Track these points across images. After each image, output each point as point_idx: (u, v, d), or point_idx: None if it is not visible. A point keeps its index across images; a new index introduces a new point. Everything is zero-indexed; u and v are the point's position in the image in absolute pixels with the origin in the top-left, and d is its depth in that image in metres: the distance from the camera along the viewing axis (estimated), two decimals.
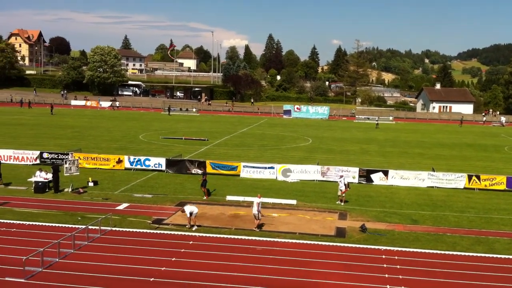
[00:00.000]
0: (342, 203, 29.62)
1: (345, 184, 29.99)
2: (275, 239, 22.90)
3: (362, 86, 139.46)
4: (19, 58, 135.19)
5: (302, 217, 26.64)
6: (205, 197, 29.92)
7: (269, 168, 36.73)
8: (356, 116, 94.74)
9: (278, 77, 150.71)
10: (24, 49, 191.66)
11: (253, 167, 36.97)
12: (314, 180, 35.80)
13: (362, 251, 21.81)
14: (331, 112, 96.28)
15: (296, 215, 26.98)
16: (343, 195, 29.91)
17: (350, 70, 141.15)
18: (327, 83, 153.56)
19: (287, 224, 25.23)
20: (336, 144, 56.39)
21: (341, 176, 31.08)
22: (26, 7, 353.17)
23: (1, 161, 33.15)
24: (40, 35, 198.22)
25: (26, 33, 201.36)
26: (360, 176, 35.76)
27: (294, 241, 22.80)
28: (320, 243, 22.63)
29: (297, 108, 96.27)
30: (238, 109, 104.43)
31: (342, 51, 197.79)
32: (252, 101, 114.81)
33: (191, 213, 24.08)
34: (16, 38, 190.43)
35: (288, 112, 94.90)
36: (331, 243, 22.60)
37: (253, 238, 23.01)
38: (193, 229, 23.96)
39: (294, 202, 29.55)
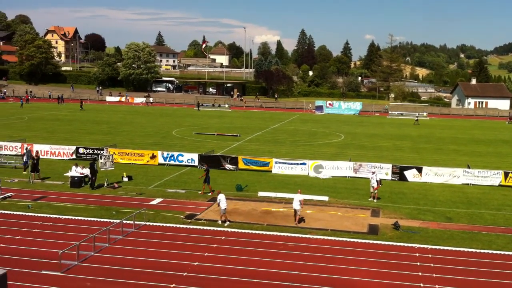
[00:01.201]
0: (375, 200, 29.40)
1: (377, 181, 29.76)
2: (307, 236, 22.90)
3: (395, 81, 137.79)
4: (55, 54, 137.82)
5: (334, 214, 26.56)
6: (210, 193, 29.96)
7: (301, 164, 36.69)
8: (389, 112, 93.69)
9: (310, 73, 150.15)
10: (60, 46, 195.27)
11: (285, 163, 36.98)
12: (346, 177, 35.62)
13: (395, 248, 21.64)
14: (364, 108, 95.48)
15: (328, 212, 26.92)
16: (375, 191, 29.68)
17: (383, 65, 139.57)
18: (359, 78, 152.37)
19: (319, 221, 25.20)
20: (369, 140, 55.92)
21: (373, 173, 30.86)
22: (62, 4, 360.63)
23: (40, 156, 33.97)
24: (76, 32, 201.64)
25: (62, 30, 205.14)
26: (393, 172, 35.41)
27: (326, 237, 22.76)
28: (352, 240, 22.55)
29: (329, 104, 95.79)
30: (269, 105, 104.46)
31: (375, 46, 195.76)
32: (276, 96, 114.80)
33: (222, 207, 24.39)
34: (52, 35, 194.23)
35: (320, 108, 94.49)
36: (363, 240, 22.48)
37: (285, 234, 23.05)
38: (225, 224, 24.16)
39: (326, 198, 29.48)
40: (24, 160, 34.56)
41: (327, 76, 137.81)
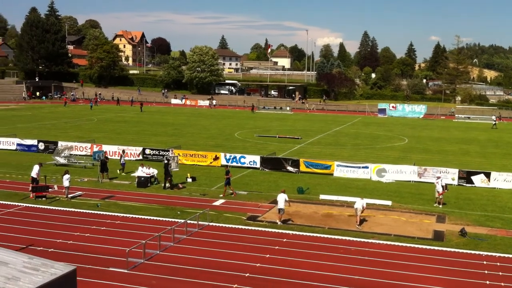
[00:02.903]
0: (440, 206, 28.68)
1: (442, 186, 29.03)
2: (370, 240, 22.66)
3: (462, 84, 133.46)
4: (123, 58, 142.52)
5: (398, 219, 26.13)
6: (233, 194, 30.05)
7: (363, 167, 36.29)
8: (456, 115, 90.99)
9: (373, 75, 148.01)
10: (128, 50, 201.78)
11: (347, 166, 36.69)
12: (410, 181, 34.93)
13: (462, 256, 21.06)
14: (429, 111, 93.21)
15: (391, 217, 26.51)
16: (441, 197, 28.95)
17: (449, 67, 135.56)
18: (424, 80, 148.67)
19: (382, 225, 24.86)
20: (434, 144, 54.54)
21: (438, 178, 30.12)
22: (130, 9, 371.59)
23: (108, 157, 35.26)
24: (143, 36, 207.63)
25: (129, 34, 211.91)
26: (459, 177, 34.42)
27: (389, 242, 22.44)
28: (416, 246, 22.11)
29: (393, 107, 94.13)
30: (331, 107, 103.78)
31: (440, 47, 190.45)
32: (324, 98, 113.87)
33: (280, 209, 24.66)
34: (120, 39, 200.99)
35: (383, 110, 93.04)
36: (428, 247, 22.00)
37: (347, 238, 22.90)
38: (278, 223, 24.53)
39: (389, 203, 29.03)
40: (122, 162, 35.54)
41: (390, 79, 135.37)
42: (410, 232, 23.97)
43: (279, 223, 24.70)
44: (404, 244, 22.24)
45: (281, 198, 24.75)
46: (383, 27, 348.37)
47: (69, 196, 28.40)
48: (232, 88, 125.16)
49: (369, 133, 64.08)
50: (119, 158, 36.82)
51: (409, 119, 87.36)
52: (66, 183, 28.27)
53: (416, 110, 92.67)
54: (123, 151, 37.90)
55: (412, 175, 35.17)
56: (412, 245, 22.15)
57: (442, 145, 53.95)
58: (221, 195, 29.92)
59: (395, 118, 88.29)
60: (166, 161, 31.75)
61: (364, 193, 30.80)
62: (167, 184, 31.29)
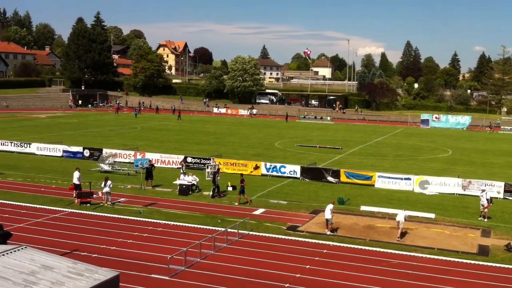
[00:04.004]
0: (485, 219, 27.98)
1: (487, 199, 28.32)
2: (412, 253, 22.29)
3: (508, 94, 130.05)
4: (166, 67, 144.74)
5: (441, 232, 25.61)
6: (248, 202, 30.08)
7: (405, 179, 35.76)
8: (502, 127, 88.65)
9: (416, 85, 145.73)
10: (171, 59, 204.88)
11: (389, 177, 36.22)
12: (454, 194, 34.21)
13: (507, 271, 20.47)
14: (473, 122, 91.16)
15: (434, 230, 26.01)
16: (486, 210, 28.25)
17: (494, 77, 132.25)
18: (468, 91, 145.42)
19: (425, 239, 24.41)
20: (478, 156, 53.28)
21: (483, 191, 29.40)
22: (173, 20, 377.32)
23: (154, 165, 35.84)
24: (186, 46, 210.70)
25: (173, 44, 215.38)
26: (505, 191, 33.50)
27: (432, 256, 22.02)
28: (460, 260, 21.63)
29: (436, 118, 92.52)
30: (372, 118, 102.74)
31: (485, 57, 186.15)
32: (356, 108, 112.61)
33: (326, 219, 24.67)
34: (164, 49, 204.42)
35: (425, 121, 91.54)
36: (472, 261, 21.49)
37: (389, 251, 22.59)
38: (327, 233, 24.48)
39: (432, 216, 28.49)
40: (182, 171, 35.28)
41: (433, 89, 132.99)
42: (454, 246, 23.47)
43: (328, 232, 24.61)
44: (448, 258, 21.78)
45: (328, 208, 24.82)
46: (426, 37, 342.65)
47: (109, 202, 29.04)
48: (273, 97, 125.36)
49: (412, 144, 63.10)
50: (180, 166, 36.78)
51: (452, 130, 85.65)
52: (106, 189, 28.99)
53: (460, 121, 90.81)
54: (184, 159, 38.10)
55: (456, 188, 34.44)
56: (456, 260, 21.68)
57: (487, 158, 52.65)
58: (236, 203, 30.12)
59: (438, 129, 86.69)
60: (216, 171, 32.38)
61: (407, 205, 30.32)
62: (211, 193, 31.65)
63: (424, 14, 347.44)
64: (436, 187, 34.79)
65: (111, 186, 29.18)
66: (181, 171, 34.51)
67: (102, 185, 29.36)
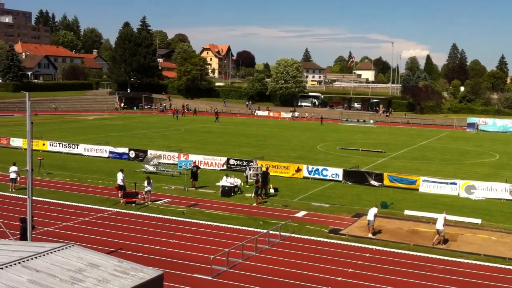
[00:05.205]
0: None
1: None
2: (458, 259, 21.84)
3: None
4: (210, 71, 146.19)
5: (488, 238, 25.00)
6: (255, 204, 30.27)
7: (451, 183, 35.05)
8: None
9: (462, 88, 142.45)
10: (214, 63, 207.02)
11: (434, 182, 35.57)
12: (501, 199, 33.33)
13: None
14: None
15: (480, 235, 25.41)
16: None
17: None
18: None
19: (471, 244, 23.88)
20: None
21: None
22: (217, 24, 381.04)
23: (199, 166, 36.30)
24: (229, 49, 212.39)
25: (216, 47, 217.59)
26: None
27: (478, 262, 21.52)
28: (508, 267, 21.06)
29: (483, 121, 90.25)
30: (416, 121, 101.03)
31: None
32: (390, 111, 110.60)
33: (368, 221, 24.57)
34: (207, 52, 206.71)
35: (472, 125, 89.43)
36: None
37: (434, 256, 22.20)
38: (369, 235, 24.30)
39: (478, 221, 27.82)
40: (246, 175, 35.82)
41: (480, 92, 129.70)
42: (501, 252, 22.87)
43: (370, 235, 24.41)
44: (495, 265, 21.25)
45: (371, 211, 24.72)
46: (473, 40, 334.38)
47: (149, 201, 29.76)
48: (315, 100, 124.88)
49: (457, 148, 61.75)
50: (245, 170, 37.17)
51: (500, 134, 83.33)
52: (147, 188, 29.84)
53: (508, 125, 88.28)
54: (249, 163, 38.52)
55: (503, 193, 33.54)
56: (503, 266, 21.12)
57: None
58: (255, 204, 30.29)
59: (485, 133, 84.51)
60: (265, 171, 32.98)
61: (453, 210, 29.74)
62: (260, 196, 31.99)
63: (470, 17, 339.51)
64: (483, 192, 33.96)
65: (151, 185, 30.00)
66: (245, 174, 35.44)
67: (145, 184, 30.10)
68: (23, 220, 20.27)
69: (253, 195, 31.20)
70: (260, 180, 31.43)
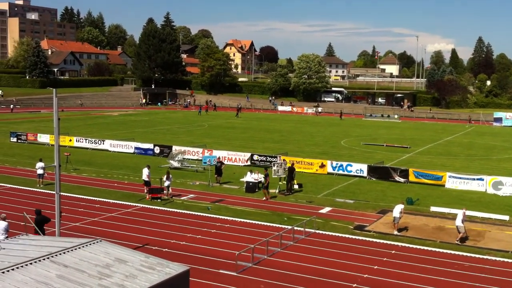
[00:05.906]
0: None
1: None
2: (485, 257, 21.55)
3: None
4: (233, 66, 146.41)
5: None
6: (264, 198, 30.40)
7: (477, 179, 34.57)
8: None
9: (488, 83, 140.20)
10: (237, 58, 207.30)
11: (460, 178, 35.12)
12: None
13: None
14: None
15: (508, 232, 25.03)
16: None
17: None
18: None
19: (499, 241, 23.54)
20: None
21: None
22: (240, 19, 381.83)
23: (223, 162, 36.42)
24: (252, 45, 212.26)
25: (239, 43, 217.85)
26: None
27: (506, 260, 21.21)
28: None
29: (510, 116, 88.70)
30: (442, 116, 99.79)
31: None
32: (402, 104, 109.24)
33: (394, 217, 24.49)
34: (230, 48, 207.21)
35: (499, 119, 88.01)
36: None
37: (460, 253, 21.94)
38: (394, 233, 24.09)
39: (506, 218, 27.40)
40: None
41: (507, 86, 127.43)
42: None
43: (395, 232, 24.25)
44: None
45: (397, 207, 24.58)
46: (499, 33, 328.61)
47: (168, 196, 30.15)
48: (338, 95, 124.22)
49: (484, 143, 60.83)
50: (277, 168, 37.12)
51: None
52: (166, 183, 30.26)
53: None
54: (284, 160, 38.46)
55: None
56: None
57: None
58: (264, 198, 30.47)
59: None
60: (290, 166, 32.99)
61: (480, 206, 29.36)
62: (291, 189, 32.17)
63: (496, 10, 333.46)
64: (511, 188, 33.42)
65: (170, 180, 30.38)
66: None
67: (164, 178, 30.47)
68: (38, 212, 20.67)
69: (262, 189, 31.31)
70: (267, 174, 31.35)
